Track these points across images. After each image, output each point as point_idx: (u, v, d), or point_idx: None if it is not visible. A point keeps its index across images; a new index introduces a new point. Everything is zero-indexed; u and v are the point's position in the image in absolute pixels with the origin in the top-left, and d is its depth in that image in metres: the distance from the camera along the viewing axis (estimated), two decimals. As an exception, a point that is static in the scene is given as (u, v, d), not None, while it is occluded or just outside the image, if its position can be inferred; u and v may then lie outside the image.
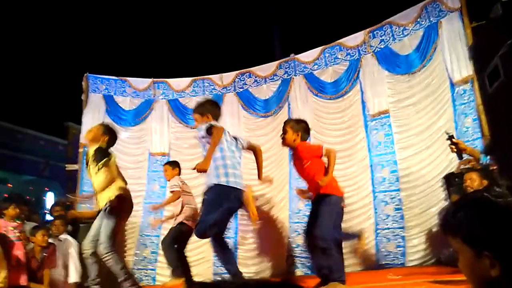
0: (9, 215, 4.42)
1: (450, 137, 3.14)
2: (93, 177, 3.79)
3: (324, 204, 3.38)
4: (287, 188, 5.75)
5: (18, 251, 4.03)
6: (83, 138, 6.41)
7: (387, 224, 5.02)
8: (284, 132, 3.65)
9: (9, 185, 15.32)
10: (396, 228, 4.95)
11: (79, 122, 6.81)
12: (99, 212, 3.77)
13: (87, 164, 3.87)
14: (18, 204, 4.65)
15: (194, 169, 3.20)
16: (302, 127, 3.67)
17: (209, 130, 3.26)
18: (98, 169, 3.70)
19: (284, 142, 3.70)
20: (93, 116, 6.58)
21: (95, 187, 3.79)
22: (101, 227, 3.64)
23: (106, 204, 3.66)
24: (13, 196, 4.88)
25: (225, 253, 3.31)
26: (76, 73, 7.11)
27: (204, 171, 3.18)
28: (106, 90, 6.76)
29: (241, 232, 5.75)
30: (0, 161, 16.05)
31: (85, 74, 6.73)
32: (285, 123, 3.77)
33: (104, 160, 3.70)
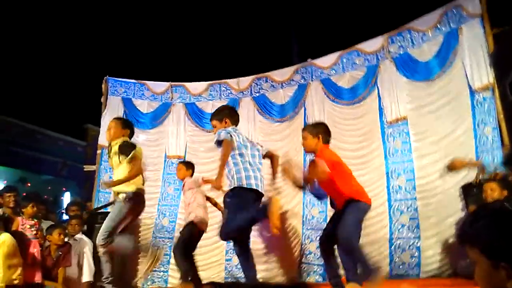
0: (27, 214, 4.52)
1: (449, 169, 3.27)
2: (116, 169, 3.79)
3: (352, 209, 3.26)
4: (301, 194, 5.70)
5: (34, 249, 4.10)
6: (105, 137, 6.52)
7: (402, 234, 4.93)
8: (304, 138, 3.59)
9: (28, 184, 15.64)
10: (411, 238, 4.86)
11: (98, 124, 6.92)
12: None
13: (109, 157, 3.89)
14: (36, 203, 4.75)
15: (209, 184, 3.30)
16: (321, 129, 3.60)
17: (219, 143, 3.31)
18: (126, 162, 3.71)
19: (306, 149, 3.65)
20: (111, 118, 6.66)
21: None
22: (107, 218, 3.65)
23: (122, 196, 3.67)
24: (32, 195, 4.98)
25: (247, 258, 3.34)
26: (96, 76, 7.23)
27: (219, 189, 3.24)
28: (125, 93, 6.85)
29: (253, 236, 5.72)
30: (20, 161, 16.41)
31: (105, 77, 6.84)
32: (302, 130, 3.73)
33: (132, 152, 3.72)
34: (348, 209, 3.27)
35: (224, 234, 3.42)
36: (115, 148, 3.79)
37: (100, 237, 3.59)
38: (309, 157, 5.75)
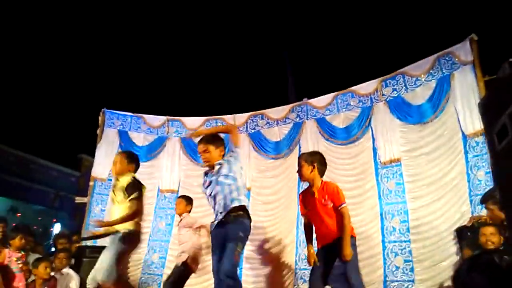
0: (15, 246, 4.43)
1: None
2: (119, 205, 3.71)
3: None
4: (294, 232, 5.66)
5: (20, 283, 3.99)
6: (97, 169, 6.50)
7: (396, 276, 4.86)
8: (300, 166, 3.61)
9: (18, 214, 15.35)
10: (405, 281, 4.78)
11: (92, 154, 6.91)
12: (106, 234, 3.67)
13: (113, 190, 3.82)
14: (25, 235, 4.67)
15: None
16: (317, 158, 3.64)
17: None
18: (129, 200, 3.64)
19: (302, 177, 3.64)
20: (106, 150, 6.68)
21: (115, 215, 3.68)
22: (107, 254, 3.55)
23: (121, 231, 3.60)
24: (21, 226, 4.90)
25: None
26: (93, 107, 7.30)
27: None
28: (121, 126, 6.89)
29: (244, 276, 5.62)
30: (11, 190, 16.19)
31: (102, 109, 6.90)
32: (299, 158, 3.75)
33: (138, 192, 3.69)
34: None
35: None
36: (123, 184, 3.73)
37: (105, 274, 3.47)
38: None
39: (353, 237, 3.44)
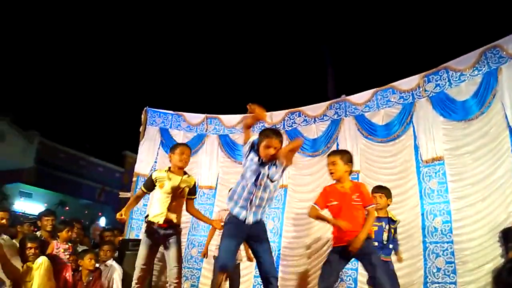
0: (62, 238, 4.69)
1: None
2: (178, 200, 3.84)
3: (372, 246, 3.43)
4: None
5: (67, 273, 4.22)
6: (141, 166, 6.74)
7: (437, 278, 4.70)
8: (333, 163, 3.57)
9: (67, 208, 16.17)
10: (447, 283, 4.62)
11: (136, 151, 7.17)
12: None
13: (179, 185, 3.85)
14: (76, 228, 4.94)
15: None
16: (350, 158, 3.65)
17: None
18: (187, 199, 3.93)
19: (334, 175, 3.59)
20: (148, 148, 6.92)
21: (175, 207, 3.81)
22: (175, 251, 3.68)
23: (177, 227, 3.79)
24: (74, 220, 5.19)
25: None
26: (136, 106, 7.57)
27: None
28: (163, 124, 7.11)
29: (281, 273, 5.65)
30: (62, 185, 17.06)
31: (145, 108, 7.15)
32: (331, 154, 3.69)
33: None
34: (371, 246, 3.43)
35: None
36: (191, 182, 3.94)
37: (178, 270, 3.64)
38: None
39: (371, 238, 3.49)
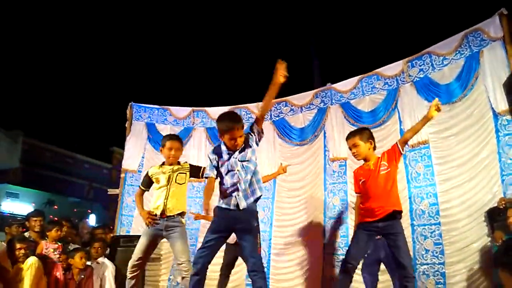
0: (51, 237, 4.65)
1: None
2: (180, 187, 3.82)
3: (401, 229, 3.33)
4: (321, 217, 5.67)
5: (57, 273, 4.19)
6: (128, 162, 6.69)
7: (426, 259, 4.80)
8: (355, 146, 3.49)
9: (55, 206, 16.00)
10: (436, 263, 4.72)
11: (123, 147, 7.10)
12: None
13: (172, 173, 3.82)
14: (61, 227, 4.89)
15: None
16: (371, 134, 3.54)
17: None
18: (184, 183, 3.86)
19: (359, 156, 3.50)
20: (135, 143, 6.87)
21: (172, 196, 3.75)
22: (180, 245, 3.63)
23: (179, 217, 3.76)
24: (63, 219, 5.14)
25: None
26: (122, 102, 7.49)
27: None
28: (149, 118, 7.05)
29: (273, 261, 5.71)
30: (49, 184, 16.86)
31: (130, 103, 7.07)
32: (350, 137, 3.58)
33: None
34: (399, 228, 3.31)
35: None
36: (185, 166, 3.92)
37: (188, 265, 3.58)
38: (330, 181, 5.75)
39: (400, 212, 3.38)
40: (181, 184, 3.83)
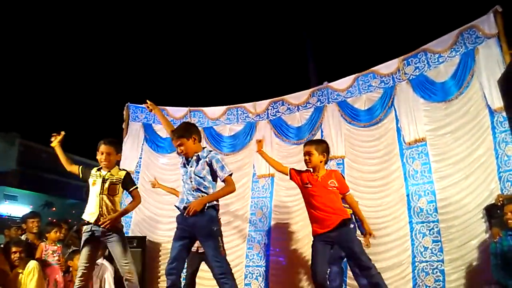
0: (51, 239, 4.64)
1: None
2: (108, 199, 3.65)
3: (353, 234, 3.59)
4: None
5: (56, 275, 4.18)
6: (126, 163, 6.66)
7: (425, 257, 4.82)
8: (309, 154, 3.57)
9: (53, 208, 15.96)
10: (435, 261, 4.74)
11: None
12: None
13: (107, 182, 3.67)
14: (60, 228, 4.88)
15: None
16: (326, 148, 3.63)
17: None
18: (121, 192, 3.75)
19: (310, 164, 3.58)
20: (132, 144, 6.85)
21: (106, 206, 3.62)
22: (119, 249, 3.56)
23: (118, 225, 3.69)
24: (56, 221, 5.12)
25: None
26: (119, 102, 7.46)
27: None
28: (145, 119, 7.04)
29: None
30: (47, 186, 16.80)
31: (126, 104, 7.05)
32: (307, 144, 3.69)
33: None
34: (351, 234, 3.54)
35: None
36: (124, 174, 3.82)
37: (131, 267, 3.56)
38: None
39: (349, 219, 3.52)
40: (113, 196, 3.67)
